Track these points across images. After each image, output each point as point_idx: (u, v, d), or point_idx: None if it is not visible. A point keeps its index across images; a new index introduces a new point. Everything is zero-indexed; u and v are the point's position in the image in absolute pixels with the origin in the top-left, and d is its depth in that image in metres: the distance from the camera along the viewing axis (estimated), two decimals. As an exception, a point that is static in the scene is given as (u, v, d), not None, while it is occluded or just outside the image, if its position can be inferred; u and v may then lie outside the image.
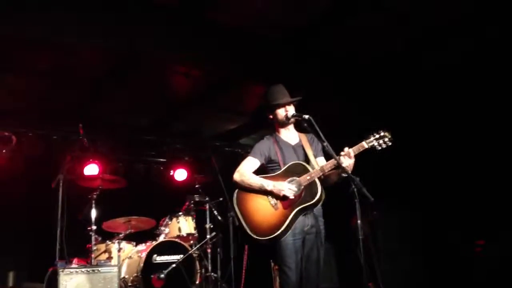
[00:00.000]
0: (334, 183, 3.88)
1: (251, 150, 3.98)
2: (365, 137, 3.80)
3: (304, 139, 4.05)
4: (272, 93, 4.02)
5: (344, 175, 3.72)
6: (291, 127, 4.05)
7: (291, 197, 3.72)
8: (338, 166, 3.68)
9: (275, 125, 4.08)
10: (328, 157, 3.80)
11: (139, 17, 5.29)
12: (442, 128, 6.30)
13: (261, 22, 5.50)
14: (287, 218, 3.68)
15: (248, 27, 5.61)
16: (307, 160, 3.91)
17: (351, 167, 3.69)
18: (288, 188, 3.72)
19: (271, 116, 4.04)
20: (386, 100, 6.55)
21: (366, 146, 3.77)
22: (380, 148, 3.77)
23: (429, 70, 6.04)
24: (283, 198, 3.73)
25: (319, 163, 3.91)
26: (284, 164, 3.87)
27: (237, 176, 3.86)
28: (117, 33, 5.34)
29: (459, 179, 6.05)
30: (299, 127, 4.04)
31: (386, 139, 3.75)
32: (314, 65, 6.28)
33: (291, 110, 3.95)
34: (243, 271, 5.25)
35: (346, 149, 3.73)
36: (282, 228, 3.64)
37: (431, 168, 6.34)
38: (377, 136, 3.75)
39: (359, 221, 3.48)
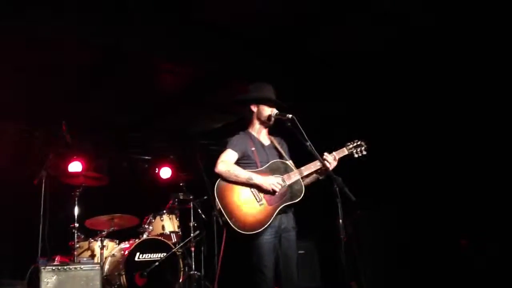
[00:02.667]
0: (310, 183, 3.96)
1: (229, 143, 3.90)
2: (345, 144, 4.03)
3: (274, 141, 4.10)
4: (261, 88, 4.02)
5: (321, 177, 3.94)
6: (265, 127, 4.07)
7: (279, 192, 3.73)
8: (322, 167, 3.80)
9: (253, 120, 4.06)
10: (310, 157, 3.83)
11: (126, 16, 5.27)
12: (421, 124, 6.36)
13: (251, 21, 5.48)
14: (271, 214, 3.68)
15: (237, 25, 5.59)
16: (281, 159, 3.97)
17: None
18: (277, 182, 3.73)
19: (254, 109, 4.02)
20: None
21: (346, 152, 4.01)
22: (356, 156, 4.03)
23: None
24: (268, 194, 3.72)
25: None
26: (260, 162, 3.86)
27: (222, 167, 3.74)
28: (104, 31, 5.32)
29: (443, 176, 6.11)
30: (268, 129, 4.10)
31: (363, 148, 4.03)
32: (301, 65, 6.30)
33: (274, 110, 3.98)
34: (218, 267, 5.22)
35: (325, 154, 3.86)
36: (267, 224, 3.64)
37: (414, 166, 6.39)
38: (355, 144, 4.03)
39: (341, 221, 3.52)
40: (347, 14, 5.37)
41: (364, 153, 4.02)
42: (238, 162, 3.84)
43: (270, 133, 4.14)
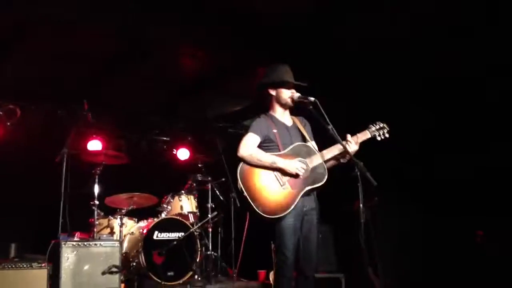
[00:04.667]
0: (332, 166, 3.92)
1: (250, 127, 3.88)
2: (367, 126, 3.96)
3: (297, 121, 4.05)
4: (279, 70, 3.95)
5: (343, 161, 3.90)
6: (287, 109, 4.02)
7: (302, 176, 3.72)
8: (344, 151, 3.77)
9: (273, 103, 4.01)
10: (331, 141, 3.81)
11: (151, 3, 5.26)
12: (443, 113, 6.28)
13: (274, 6, 5.42)
14: (295, 199, 3.66)
15: (259, 10, 5.52)
16: (304, 142, 3.94)
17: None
18: (300, 167, 3.72)
19: (273, 93, 3.97)
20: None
21: (369, 135, 3.94)
22: (379, 139, 3.96)
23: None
24: (292, 177, 3.71)
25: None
26: (282, 145, 3.83)
27: (245, 151, 3.73)
28: (129, 17, 5.36)
29: (461, 167, 6.05)
30: (291, 110, 4.06)
31: (385, 131, 3.96)
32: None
33: (295, 93, 3.94)
34: (241, 251, 5.27)
35: (348, 136, 3.83)
36: (291, 208, 3.63)
37: (432, 156, 6.33)
38: (378, 126, 3.96)
39: (361, 205, 3.51)
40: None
41: (387, 135, 3.95)
42: (260, 146, 3.82)
43: (293, 113, 4.09)
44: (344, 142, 3.77)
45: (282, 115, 4.02)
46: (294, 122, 4.04)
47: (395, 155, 6.18)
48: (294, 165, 3.71)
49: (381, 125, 3.98)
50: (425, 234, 6.30)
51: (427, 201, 6.25)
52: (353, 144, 3.81)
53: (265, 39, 5.86)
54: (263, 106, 4.10)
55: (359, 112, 5.77)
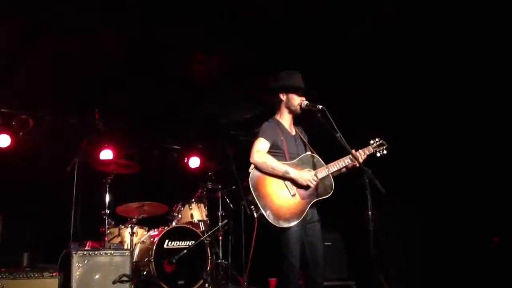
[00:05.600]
0: (336, 175, 3.94)
1: (260, 131, 3.88)
2: (369, 142, 4.03)
3: (298, 132, 4.10)
4: (291, 76, 4.00)
5: (344, 171, 3.94)
6: (293, 116, 4.05)
7: (313, 187, 3.74)
8: (349, 164, 3.84)
9: (282, 109, 4.04)
10: (339, 148, 3.81)
11: (160, 7, 5.30)
12: (451, 119, 6.25)
13: (291, 13, 5.42)
14: (305, 208, 3.71)
15: (276, 19, 5.53)
16: (306, 152, 3.98)
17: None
18: (312, 178, 3.74)
19: (283, 98, 4.00)
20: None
21: (372, 151, 4.01)
22: (379, 155, 4.02)
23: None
24: (302, 188, 3.74)
25: None
26: (289, 153, 3.85)
27: (258, 158, 3.73)
28: (139, 21, 5.39)
29: (473, 172, 6.00)
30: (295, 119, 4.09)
31: (384, 147, 4.03)
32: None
33: (304, 100, 3.95)
34: (250, 258, 5.25)
35: (353, 151, 3.85)
36: (301, 218, 3.66)
37: (444, 161, 6.29)
38: (378, 143, 4.02)
39: (370, 213, 3.49)
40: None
41: (385, 152, 4.02)
42: (268, 151, 3.84)
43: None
44: (353, 151, 3.79)
45: (288, 123, 4.05)
46: (296, 132, 4.07)
47: (406, 160, 6.16)
48: (305, 176, 3.74)
49: (380, 141, 4.03)
50: (437, 239, 6.26)
51: (439, 206, 6.21)
52: (360, 157, 3.85)
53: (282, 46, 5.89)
54: (274, 111, 4.13)
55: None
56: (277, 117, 4.06)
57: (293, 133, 4.06)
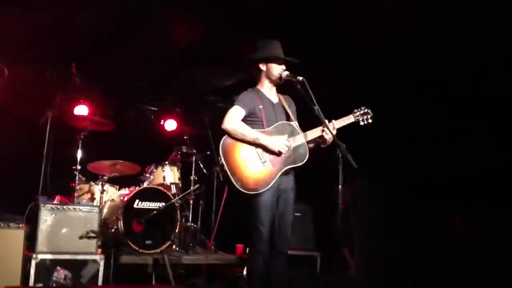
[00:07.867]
0: (313, 149, 3.96)
1: (237, 100, 3.87)
2: (352, 110, 4.03)
3: (283, 100, 4.06)
4: (271, 46, 3.95)
5: (323, 146, 3.92)
6: (275, 85, 4.03)
7: (286, 154, 3.73)
8: (324, 132, 3.80)
9: (262, 78, 4.02)
10: (316, 121, 3.82)
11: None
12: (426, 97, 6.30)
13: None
14: (274, 176, 3.71)
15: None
16: (288, 121, 3.95)
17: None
18: (284, 145, 3.74)
19: (263, 68, 3.97)
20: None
21: (353, 120, 4.01)
22: (362, 123, 4.03)
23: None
24: (273, 155, 3.74)
25: None
26: (267, 121, 3.84)
27: (229, 124, 3.73)
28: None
29: (444, 152, 6.10)
30: (278, 87, 4.06)
31: (369, 116, 4.02)
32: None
33: (285, 70, 3.93)
34: (217, 222, 5.29)
35: (333, 121, 3.90)
36: (269, 186, 3.67)
37: (414, 140, 6.38)
38: (362, 111, 4.01)
39: (340, 187, 3.54)
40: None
41: (370, 121, 4.02)
42: (244, 120, 3.83)
43: (279, 91, 4.10)
44: (328, 123, 3.79)
45: (269, 91, 4.02)
46: (280, 100, 4.05)
47: (381, 141, 6.23)
48: (277, 143, 3.72)
49: (365, 110, 4.03)
50: (405, 219, 6.38)
51: (409, 188, 6.31)
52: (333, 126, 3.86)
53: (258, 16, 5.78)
54: (254, 80, 4.10)
55: (345, 97, 5.78)
56: (258, 86, 4.04)
57: (275, 101, 4.02)
